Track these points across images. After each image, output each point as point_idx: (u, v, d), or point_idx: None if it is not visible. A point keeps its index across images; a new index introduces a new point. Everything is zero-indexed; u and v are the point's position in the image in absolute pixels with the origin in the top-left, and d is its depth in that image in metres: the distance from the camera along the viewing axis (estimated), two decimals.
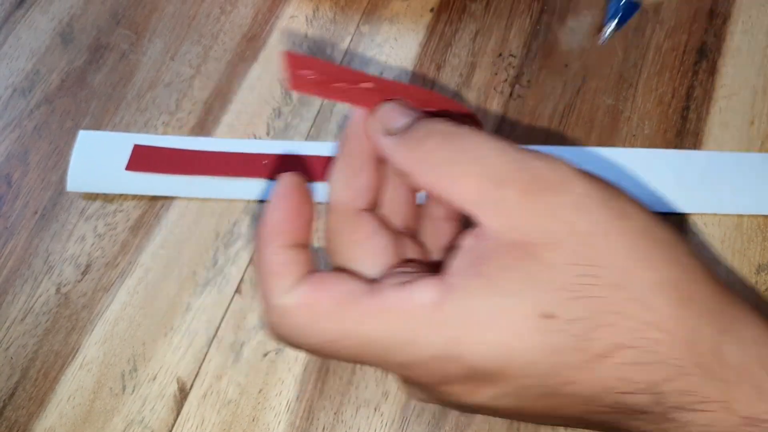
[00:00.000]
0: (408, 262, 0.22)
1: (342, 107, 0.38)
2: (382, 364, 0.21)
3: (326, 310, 0.20)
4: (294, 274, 0.20)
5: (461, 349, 0.19)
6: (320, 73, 0.22)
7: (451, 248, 0.21)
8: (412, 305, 0.19)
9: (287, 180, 0.22)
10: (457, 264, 0.20)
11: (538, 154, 0.20)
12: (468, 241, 0.20)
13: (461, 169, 0.20)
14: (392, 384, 0.31)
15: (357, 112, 0.23)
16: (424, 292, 0.19)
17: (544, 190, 0.19)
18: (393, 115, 0.22)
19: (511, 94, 0.38)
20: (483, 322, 0.19)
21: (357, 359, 0.21)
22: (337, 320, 0.20)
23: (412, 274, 0.20)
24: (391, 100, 0.22)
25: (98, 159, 0.36)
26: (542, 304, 0.18)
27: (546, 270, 0.19)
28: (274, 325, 0.21)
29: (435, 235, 0.24)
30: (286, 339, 0.21)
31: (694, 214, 0.34)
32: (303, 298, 0.20)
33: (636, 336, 0.19)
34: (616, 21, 0.38)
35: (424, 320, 0.19)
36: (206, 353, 0.32)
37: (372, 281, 0.21)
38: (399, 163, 0.21)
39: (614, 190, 0.20)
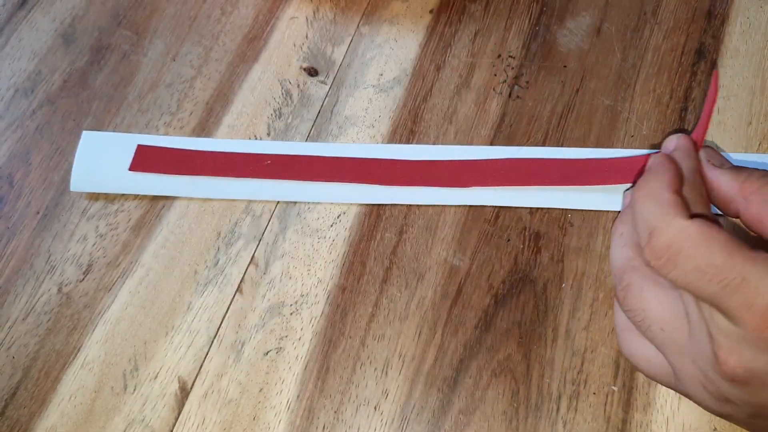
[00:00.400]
0: None
1: (342, 109, 0.38)
2: (736, 307, 0.22)
3: (721, 240, 0.23)
4: (685, 208, 0.24)
5: None
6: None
7: None
8: None
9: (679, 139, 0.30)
10: None
11: None
12: None
13: None
14: (392, 383, 0.32)
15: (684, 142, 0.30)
16: None
17: None
18: (719, 156, 0.29)
19: (510, 95, 0.38)
20: None
21: (716, 294, 0.22)
22: (727, 252, 0.22)
23: None
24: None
25: (101, 159, 0.36)
26: None
27: None
28: (662, 244, 0.24)
29: None
30: (666, 258, 0.23)
31: None
32: (703, 226, 0.23)
33: None
34: None
35: None
36: (207, 352, 0.33)
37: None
38: (730, 191, 0.27)
39: None
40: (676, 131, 0.36)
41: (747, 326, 0.21)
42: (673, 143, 0.30)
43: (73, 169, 0.36)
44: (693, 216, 0.24)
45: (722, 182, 0.27)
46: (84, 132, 0.37)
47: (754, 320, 0.21)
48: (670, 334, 0.25)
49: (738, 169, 0.27)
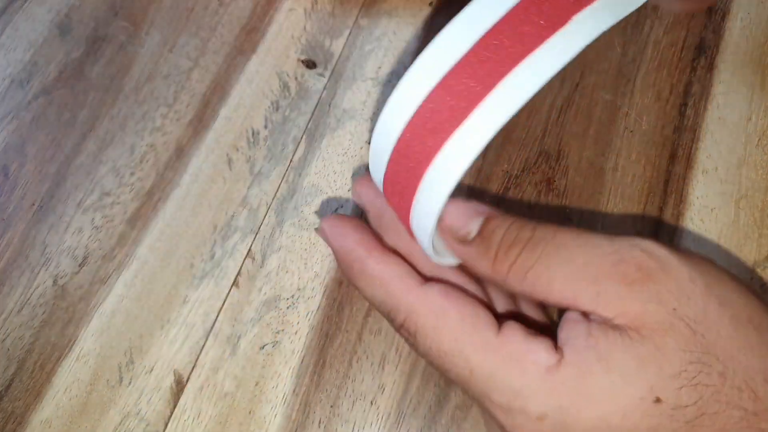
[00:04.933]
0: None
1: (340, 102, 0.38)
2: (478, 396, 0.20)
3: (453, 319, 0.20)
4: (414, 273, 0.21)
5: (567, 417, 0.19)
6: None
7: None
8: (530, 359, 0.19)
9: (327, 221, 0.23)
10: (566, 335, 0.20)
11: (633, 242, 0.20)
12: (574, 315, 0.20)
13: (553, 275, 0.20)
14: (388, 377, 0.32)
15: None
16: (542, 351, 0.19)
17: (646, 278, 0.19)
18: (462, 221, 0.22)
19: None
20: (595, 396, 0.19)
21: (458, 379, 0.20)
22: (456, 337, 0.20)
23: (528, 329, 0.20)
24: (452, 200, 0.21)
25: None
26: (655, 389, 0.18)
27: (658, 354, 0.19)
28: (400, 328, 0.21)
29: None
30: (408, 340, 0.21)
31: (692, 209, 0.34)
32: (435, 300, 0.21)
33: (742, 426, 0.18)
34: None
35: (536, 378, 0.19)
36: (203, 346, 0.32)
37: (494, 313, 0.21)
38: (485, 272, 0.21)
39: (716, 273, 0.20)
40: (675, 127, 0.36)
41: (497, 420, 0.20)
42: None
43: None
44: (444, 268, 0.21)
45: (475, 265, 0.21)
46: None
47: (499, 415, 0.20)
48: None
49: (483, 239, 0.21)
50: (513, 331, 0.20)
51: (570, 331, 0.20)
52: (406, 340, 0.22)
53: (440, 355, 0.20)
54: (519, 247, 0.20)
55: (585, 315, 0.20)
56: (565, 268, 0.20)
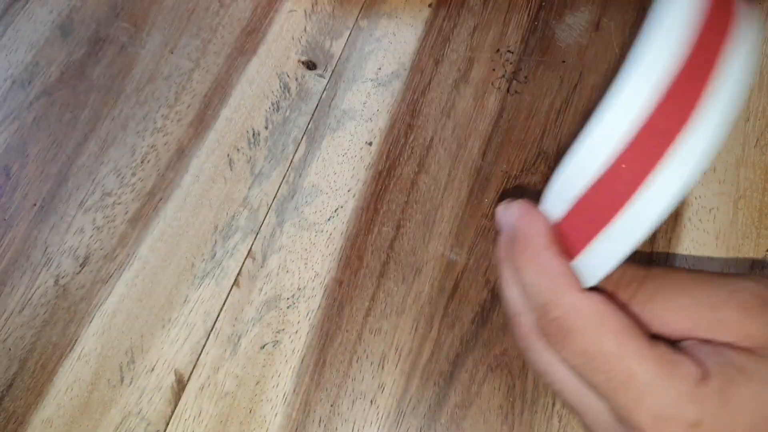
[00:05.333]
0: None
1: (340, 102, 0.38)
2: (625, 403, 0.20)
3: (614, 324, 0.20)
4: (577, 280, 0.22)
5: (719, 425, 0.19)
6: None
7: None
8: (684, 370, 0.20)
9: (522, 203, 0.24)
10: (705, 352, 0.21)
11: (743, 276, 0.22)
12: (692, 342, 0.21)
13: (671, 306, 0.21)
14: (388, 376, 0.32)
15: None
16: (690, 364, 0.20)
17: (763, 304, 0.21)
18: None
19: (508, 90, 0.38)
20: (742, 405, 0.19)
21: (604, 384, 0.21)
22: (618, 341, 0.20)
23: (673, 348, 0.21)
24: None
25: None
26: None
27: None
28: (552, 321, 0.22)
29: None
30: (556, 335, 0.22)
31: (690, 210, 0.34)
32: (598, 304, 0.21)
33: None
34: None
35: (691, 387, 0.20)
36: (204, 345, 0.33)
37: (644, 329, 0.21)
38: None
39: None
40: None
41: (639, 427, 0.20)
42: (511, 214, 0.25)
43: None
44: (589, 288, 0.22)
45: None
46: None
47: (646, 422, 0.20)
48: (575, 402, 0.23)
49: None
50: (663, 344, 0.21)
51: (698, 352, 0.21)
52: (549, 336, 0.22)
53: (596, 357, 0.20)
54: (636, 283, 0.22)
55: (703, 342, 0.21)
56: (681, 300, 0.21)
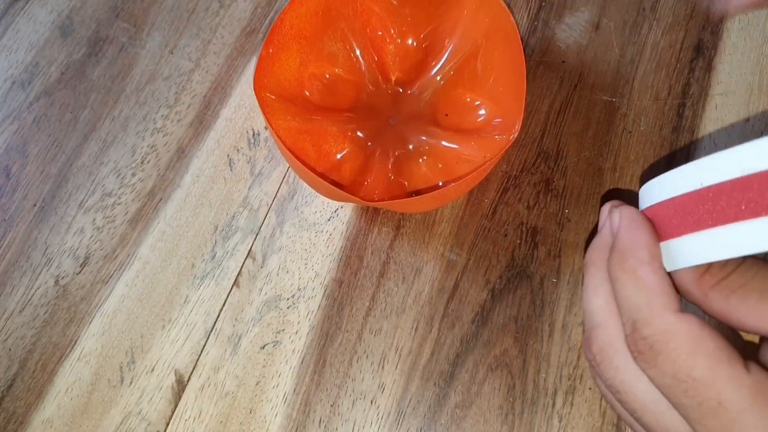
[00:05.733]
0: None
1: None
2: (714, 429, 0.20)
3: (709, 349, 0.20)
4: (677, 299, 0.21)
5: None
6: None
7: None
8: None
9: (629, 210, 0.23)
10: None
11: None
12: None
13: (758, 300, 0.20)
14: (388, 377, 0.32)
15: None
16: None
17: None
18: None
19: None
20: None
21: (695, 408, 0.20)
22: (711, 366, 0.19)
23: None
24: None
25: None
26: None
27: None
28: (643, 339, 0.21)
29: None
30: (646, 354, 0.21)
31: None
32: (693, 328, 0.20)
33: None
34: None
35: None
36: (204, 345, 0.33)
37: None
38: (686, 286, 0.22)
39: None
40: (673, 127, 0.36)
41: None
42: (617, 218, 0.24)
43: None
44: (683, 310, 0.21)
45: (678, 274, 0.22)
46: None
47: None
48: (651, 422, 0.22)
49: None
50: (760, 371, 0.20)
51: None
52: (638, 353, 0.21)
53: (686, 381, 0.20)
54: (726, 271, 0.21)
55: None
56: None
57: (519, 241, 0.34)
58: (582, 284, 0.33)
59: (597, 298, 0.23)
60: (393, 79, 0.36)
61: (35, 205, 0.36)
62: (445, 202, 0.34)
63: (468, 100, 0.35)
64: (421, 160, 0.35)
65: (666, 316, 0.21)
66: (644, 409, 0.22)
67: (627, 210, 0.24)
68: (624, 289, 0.22)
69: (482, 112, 0.35)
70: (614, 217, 0.24)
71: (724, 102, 0.37)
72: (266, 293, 0.34)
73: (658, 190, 0.23)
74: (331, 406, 0.31)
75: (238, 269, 0.34)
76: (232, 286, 0.34)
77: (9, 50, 0.40)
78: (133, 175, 0.36)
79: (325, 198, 0.35)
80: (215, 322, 0.33)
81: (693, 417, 0.20)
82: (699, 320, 0.20)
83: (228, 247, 0.35)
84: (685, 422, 0.20)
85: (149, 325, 0.33)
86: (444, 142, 0.35)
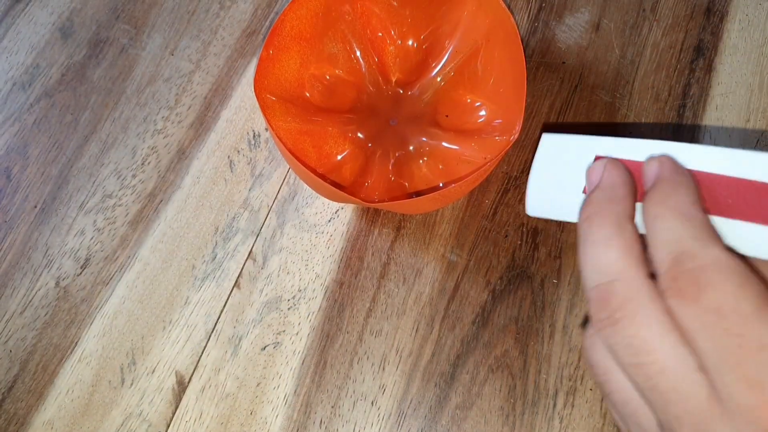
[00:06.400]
0: None
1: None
2: (737, 373, 0.19)
3: (755, 289, 0.19)
4: (720, 239, 0.20)
5: None
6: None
7: None
8: None
9: (670, 158, 0.23)
10: None
11: None
12: None
13: None
14: (389, 378, 0.32)
15: None
16: None
17: None
18: None
19: None
20: None
21: (723, 347, 0.19)
22: (757, 305, 0.19)
23: None
24: None
25: (558, 173, 0.26)
26: None
27: None
28: (686, 272, 0.20)
29: None
30: (686, 289, 0.19)
31: None
32: (741, 264, 0.19)
33: None
34: None
35: None
36: (205, 347, 0.33)
37: None
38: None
39: None
40: (673, 128, 0.36)
41: (743, 403, 0.18)
42: (656, 167, 0.23)
43: (528, 187, 0.25)
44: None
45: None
46: (544, 135, 0.26)
47: (753, 399, 0.18)
48: (672, 385, 0.20)
49: None
50: None
51: None
52: (677, 290, 0.20)
53: (730, 317, 0.19)
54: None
55: None
56: None
57: (520, 242, 0.34)
58: (581, 285, 0.33)
59: (610, 250, 0.22)
60: (393, 80, 0.36)
61: (36, 207, 0.36)
62: (445, 203, 0.34)
63: (468, 101, 0.35)
64: (421, 161, 0.35)
65: (714, 249, 0.20)
66: (664, 372, 0.20)
67: (666, 157, 0.23)
68: (666, 222, 0.21)
69: (483, 113, 0.35)
70: (652, 163, 0.23)
71: (724, 102, 0.37)
72: (267, 294, 0.34)
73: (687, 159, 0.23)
74: (332, 407, 0.31)
75: (239, 270, 0.34)
76: (233, 288, 0.34)
77: (9, 52, 0.40)
78: (134, 176, 0.36)
79: (326, 199, 0.35)
80: (216, 324, 0.33)
81: (729, 363, 0.18)
82: (747, 262, 0.20)
83: (228, 249, 0.35)
84: (706, 386, 0.19)
85: (150, 326, 0.33)
86: (444, 143, 0.35)
